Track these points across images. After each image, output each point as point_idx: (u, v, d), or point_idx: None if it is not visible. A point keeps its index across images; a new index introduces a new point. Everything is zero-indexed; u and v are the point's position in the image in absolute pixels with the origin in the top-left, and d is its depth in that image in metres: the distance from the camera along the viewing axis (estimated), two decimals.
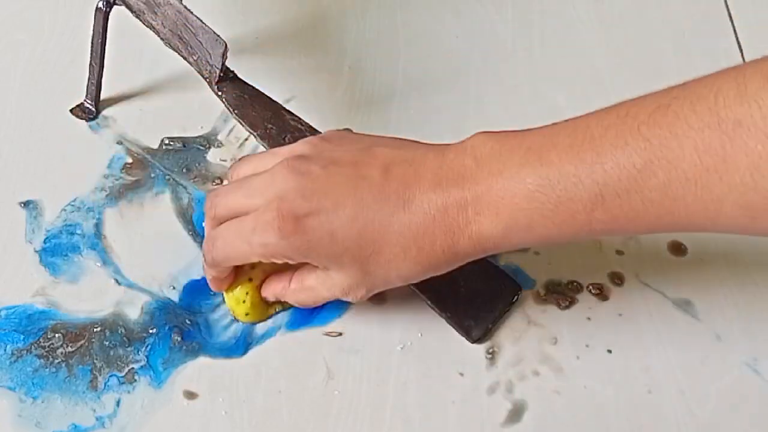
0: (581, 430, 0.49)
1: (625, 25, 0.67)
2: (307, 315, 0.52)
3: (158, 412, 0.49)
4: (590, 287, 0.53)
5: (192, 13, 0.53)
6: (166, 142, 0.60)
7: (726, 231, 0.42)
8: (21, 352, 0.51)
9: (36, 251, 0.55)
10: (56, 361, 0.50)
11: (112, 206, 0.57)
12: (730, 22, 0.66)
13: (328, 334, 0.52)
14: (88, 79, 0.60)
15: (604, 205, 0.41)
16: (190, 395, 0.49)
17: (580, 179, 0.41)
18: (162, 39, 0.56)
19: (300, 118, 0.55)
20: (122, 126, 0.61)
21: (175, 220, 0.56)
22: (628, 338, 0.51)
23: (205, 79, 0.56)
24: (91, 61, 0.59)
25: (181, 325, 0.52)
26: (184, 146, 0.60)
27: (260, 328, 0.52)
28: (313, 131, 0.55)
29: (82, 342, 0.51)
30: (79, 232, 0.55)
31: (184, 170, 0.58)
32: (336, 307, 0.52)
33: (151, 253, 0.55)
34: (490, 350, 0.51)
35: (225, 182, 0.58)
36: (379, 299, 0.53)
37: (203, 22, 0.53)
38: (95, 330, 0.51)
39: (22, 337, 0.51)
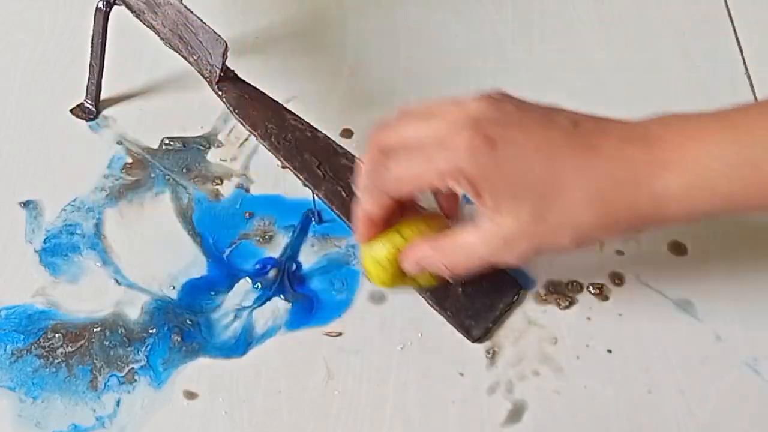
0: (581, 430, 0.49)
1: (625, 25, 0.67)
2: (307, 315, 0.52)
3: (158, 412, 0.49)
4: (590, 287, 0.53)
5: (192, 12, 0.53)
6: (166, 142, 0.60)
7: None
8: (21, 352, 0.51)
9: (36, 251, 0.55)
10: (56, 361, 0.50)
11: (112, 206, 0.57)
12: (730, 22, 0.66)
13: (328, 334, 0.52)
14: (88, 79, 0.60)
15: None
16: (190, 395, 0.49)
17: None
18: (162, 39, 0.56)
19: (300, 118, 0.55)
20: (122, 126, 0.61)
21: (175, 220, 0.56)
22: (628, 338, 0.51)
23: (206, 78, 0.55)
24: (91, 61, 0.59)
25: (181, 326, 0.52)
26: (184, 146, 0.60)
27: (260, 327, 0.52)
28: (314, 131, 0.55)
29: (82, 342, 0.51)
30: (79, 232, 0.55)
31: (184, 170, 0.58)
32: (336, 307, 0.52)
33: (151, 253, 0.55)
34: (490, 350, 0.51)
35: (225, 182, 0.58)
36: (379, 299, 0.53)
37: (203, 22, 0.53)
38: (95, 330, 0.51)
39: (22, 337, 0.51)
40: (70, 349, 0.51)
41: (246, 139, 0.59)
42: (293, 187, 0.55)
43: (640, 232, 0.44)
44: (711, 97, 0.61)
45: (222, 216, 0.56)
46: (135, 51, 0.63)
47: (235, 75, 0.56)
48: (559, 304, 0.53)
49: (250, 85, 0.56)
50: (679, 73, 0.64)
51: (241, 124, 0.55)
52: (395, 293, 0.52)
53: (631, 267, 0.54)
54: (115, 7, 0.57)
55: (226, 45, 0.53)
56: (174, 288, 0.53)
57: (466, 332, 0.51)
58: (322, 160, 0.54)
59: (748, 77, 0.63)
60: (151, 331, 0.51)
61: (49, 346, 0.51)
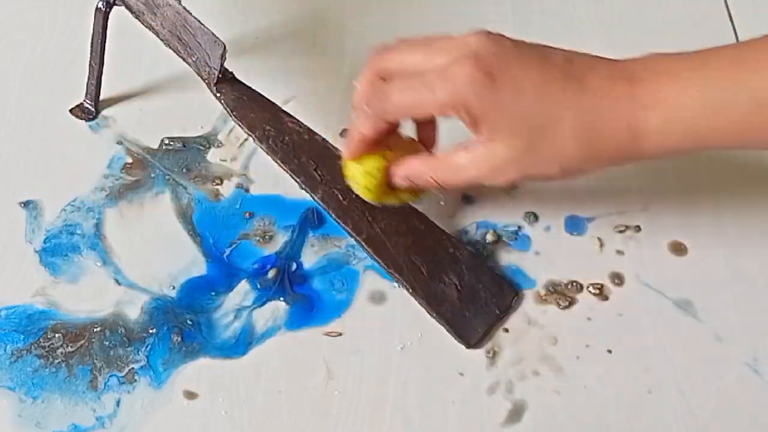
0: (581, 430, 0.49)
1: (625, 25, 0.67)
2: (308, 315, 0.52)
3: (158, 412, 0.49)
4: (590, 287, 0.53)
5: (191, 14, 0.53)
6: (166, 142, 0.60)
7: None
8: (21, 352, 0.51)
9: (36, 251, 0.55)
10: (56, 361, 0.50)
11: (112, 206, 0.57)
12: (730, 22, 0.66)
13: (328, 334, 0.52)
14: (88, 79, 0.60)
15: (763, 111, 0.44)
16: (190, 395, 0.49)
17: (741, 84, 0.44)
18: (161, 40, 0.56)
19: (298, 120, 0.55)
20: (122, 126, 0.61)
21: (175, 220, 0.56)
22: (628, 338, 0.51)
23: (204, 80, 0.55)
24: (90, 61, 0.59)
25: (181, 326, 0.52)
26: (184, 146, 0.60)
27: (260, 327, 0.52)
28: (312, 134, 0.55)
29: (82, 342, 0.51)
30: (79, 232, 0.55)
31: (184, 170, 0.58)
32: (336, 307, 0.52)
33: (151, 253, 0.55)
34: (490, 350, 0.51)
35: (225, 182, 0.58)
36: (379, 299, 0.53)
37: (202, 24, 0.53)
38: (95, 330, 0.51)
39: (22, 337, 0.51)
40: (70, 349, 0.51)
41: (246, 140, 0.60)
42: (293, 187, 0.55)
43: (620, 165, 0.47)
44: None
45: (222, 216, 0.56)
46: (135, 51, 0.63)
47: (234, 77, 0.56)
48: (559, 304, 0.53)
49: (249, 86, 0.56)
50: None
51: (239, 126, 0.55)
52: (395, 293, 0.52)
53: (631, 267, 0.54)
54: (114, 7, 0.57)
55: (225, 47, 0.53)
56: (174, 288, 0.53)
57: (463, 338, 0.51)
58: (319, 163, 0.54)
59: None
60: (151, 331, 0.51)
61: (49, 346, 0.51)
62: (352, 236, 0.53)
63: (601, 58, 0.48)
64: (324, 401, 0.49)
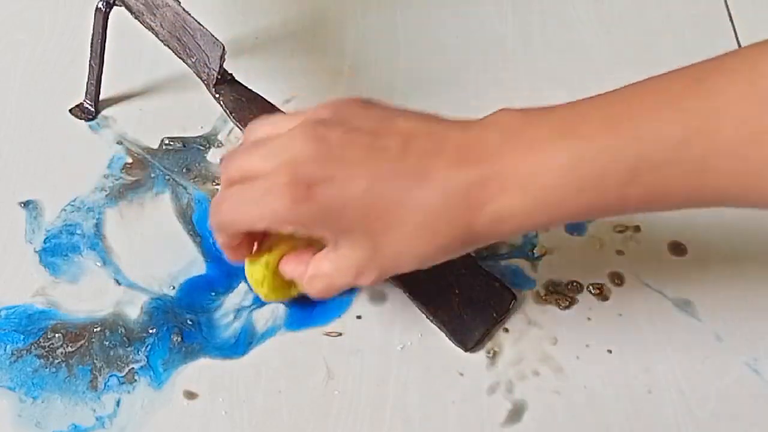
0: (581, 430, 0.49)
1: (625, 25, 0.67)
2: (308, 315, 0.52)
3: (158, 412, 0.49)
4: (590, 287, 0.53)
5: (190, 15, 0.53)
6: (166, 142, 0.60)
7: (763, 205, 0.41)
8: (21, 352, 0.51)
9: (36, 251, 0.55)
10: (56, 361, 0.50)
11: (112, 206, 0.57)
12: (730, 22, 0.66)
13: (328, 334, 0.52)
14: (88, 79, 0.60)
15: (639, 179, 0.40)
16: (190, 395, 0.49)
17: (617, 152, 0.40)
18: (161, 40, 0.56)
19: None
20: (122, 126, 0.61)
21: (175, 220, 0.56)
22: (628, 338, 0.51)
23: (203, 81, 0.56)
24: (90, 61, 0.59)
25: (181, 326, 0.52)
26: (184, 146, 0.60)
27: (260, 327, 0.52)
28: None
29: (82, 342, 0.51)
30: (79, 232, 0.55)
31: (184, 170, 0.58)
32: (336, 307, 0.52)
33: (151, 253, 0.55)
34: (491, 350, 0.51)
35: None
36: (379, 299, 0.53)
37: (201, 25, 0.53)
38: (95, 330, 0.51)
39: (22, 337, 0.51)
40: (70, 349, 0.51)
41: None
42: None
43: (484, 246, 0.44)
44: None
45: None
46: (135, 51, 0.63)
47: (233, 78, 0.56)
48: (559, 304, 0.53)
49: (247, 87, 0.56)
50: None
51: (238, 127, 0.55)
52: (395, 293, 0.52)
53: (631, 267, 0.54)
54: (114, 7, 0.57)
55: (224, 48, 0.53)
56: (174, 288, 0.53)
57: (460, 342, 0.51)
58: None
59: None
60: (151, 331, 0.51)
61: (49, 346, 0.51)
62: None
63: (449, 128, 0.43)
64: (324, 401, 0.49)
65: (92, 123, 0.61)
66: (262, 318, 0.52)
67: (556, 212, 0.41)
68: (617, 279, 0.54)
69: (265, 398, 0.49)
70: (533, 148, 0.41)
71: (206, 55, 0.54)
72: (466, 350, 0.51)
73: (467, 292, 0.52)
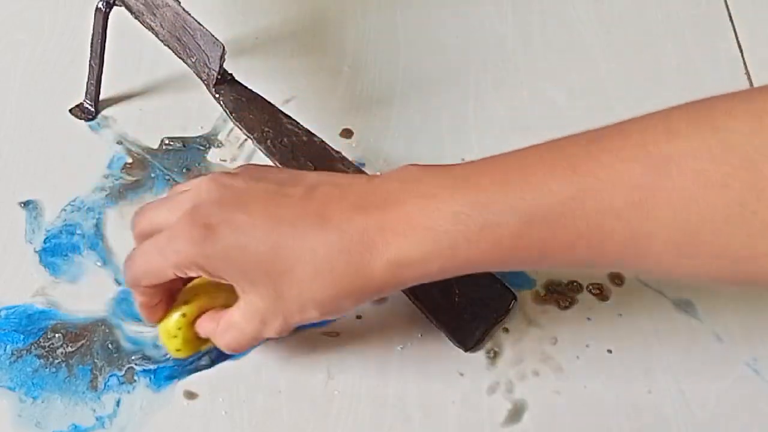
0: (581, 430, 0.49)
1: (625, 25, 0.67)
2: None
3: (158, 413, 0.49)
4: (590, 287, 0.53)
5: (190, 15, 0.53)
6: (166, 142, 0.60)
7: (655, 271, 0.41)
8: (21, 352, 0.51)
9: (36, 251, 0.55)
10: (56, 361, 0.50)
11: (112, 206, 0.57)
12: (730, 22, 0.66)
13: (328, 334, 0.52)
14: (88, 79, 0.60)
15: (530, 232, 0.40)
16: (190, 395, 0.49)
17: (509, 202, 0.40)
18: (161, 40, 0.56)
19: (297, 122, 0.55)
20: (122, 126, 0.61)
21: None
22: (628, 338, 0.51)
23: (203, 81, 0.56)
24: (90, 61, 0.59)
25: None
26: (184, 146, 0.60)
27: None
28: (310, 134, 0.55)
29: (83, 342, 0.51)
30: (79, 232, 0.55)
31: (184, 170, 0.58)
32: None
33: None
34: (491, 350, 0.51)
35: None
36: (379, 299, 0.53)
37: (201, 25, 0.53)
38: (95, 330, 0.51)
39: (22, 337, 0.51)
40: (70, 349, 0.51)
41: (246, 140, 0.59)
42: None
43: (386, 294, 0.44)
44: None
45: None
46: (135, 51, 0.63)
47: (233, 78, 0.56)
48: (559, 304, 0.53)
49: (248, 87, 0.56)
50: (679, 73, 0.64)
51: (238, 127, 0.55)
52: (395, 293, 0.52)
53: None
54: (114, 7, 0.57)
55: (224, 48, 0.53)
56: None
57: (459, 342, 0.51)
58: (317, 165, 0.54)
59: (748, 77, 0.63)
60: None
61: (49, 346, 0.51)
62: None
63: (355, 178, 0.45)
64: (324, 401, 0.49)
65: (92, 123, 0.61)
66: None
67: (450, 261, 0.41)
68: (617, 279, 0.54)
69: (265, 398, 0.49)
70: (429, 196, 0.41)
71: (206, 55, 0.54)
72: (466, 350, 0.51)
73: (467, 292, 0.52)
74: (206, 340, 0.48)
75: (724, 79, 0.63)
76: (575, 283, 0.53)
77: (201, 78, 0.56)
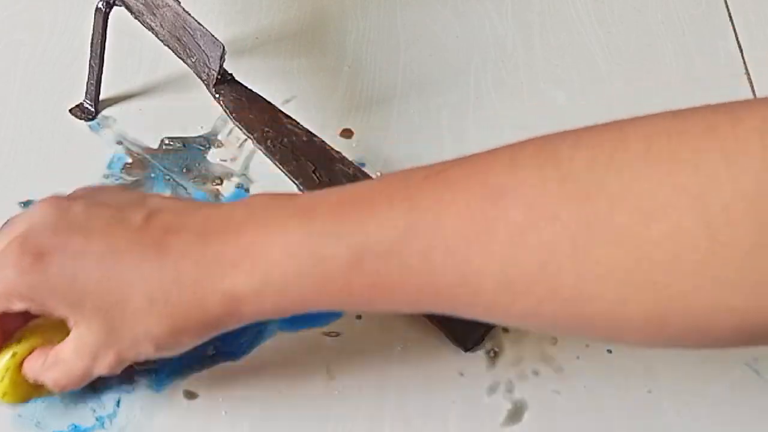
0: (581, 430, 0.48)
1: (625, 25, 0.67)
2: (308, 315, 0.52)
3: (158, 413, 0.49)
4: None
5: (190, 15, 0.53)
6: (166, 142, 0.60)
7: (489, 314, 0.39)
8: None
9: None
10: None
11: None
12: (730, 22, 0.66)
13: (328, 334, 0.52)
14: (88, 79, 0.60)
15: (362, 266, 0.38)
16: (190, 395, 0.49)
17: (341, 234, 0.38)
18: (161, 40, 0.56)
19: (297, 122, 0.55)
20: (122, 126, 0.61)
21: None
22: None
23: (203, 81, 0.56)
24: (90, 61, 0.59)
25: None
26: (184, 146, 0.60)
27: (260, 327, 0.52)
28: (310, 134, 0.55)
29: None
30: None
31: (184, 170, 0.58)
32: None
33: None
34: (491, 350, 0.51)
35: (225, 182, 0.58)
36: None
37: (201, 25, 0.53)
38: None
39: None
40: None
41: (246, 140, 0.59)
42: (293, 188, 0.55)
43: (232, 328, 0.41)
44: (710, 98, 0.61)
45: None
46: (135, 51, 0.63)
47: (233, 78, 0.56)
48: None
49: (248, 88, 0.56)
50: (678, 72, 0.64)
51: (238, 127, 0.55)
52: None
53: None
54: (114, 7, 0.57)
55: (224, 48, 0.53)
56: None
57: (459, 341, 0.51)
58: (317, 165, 0.54)
59: (748, 77, 0.63)
60: None
61: None
62: None
63: (201, 205, 0.43)
64: (324, 401, 0.49)
65: (92, 123, 0.61)
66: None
67: (282, 296, 0.39)
68: None
69: (265, 398, 0.49)
70: (269, 226, 0.39)
71: (206, 55, 0.54)
72: (466, 350, 0.51)
73: None
74: (39, 390, 0.45)
75: (724, 79, 0.63)
76: None
77: (201, 78, 0.56)
